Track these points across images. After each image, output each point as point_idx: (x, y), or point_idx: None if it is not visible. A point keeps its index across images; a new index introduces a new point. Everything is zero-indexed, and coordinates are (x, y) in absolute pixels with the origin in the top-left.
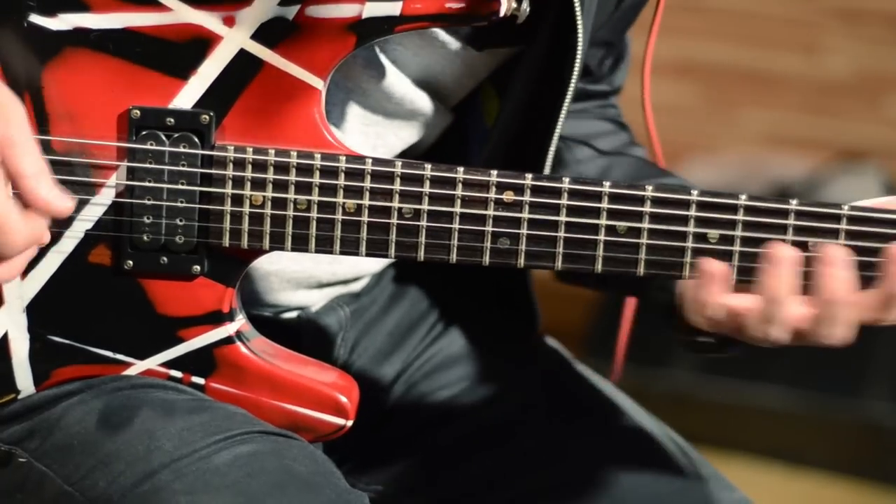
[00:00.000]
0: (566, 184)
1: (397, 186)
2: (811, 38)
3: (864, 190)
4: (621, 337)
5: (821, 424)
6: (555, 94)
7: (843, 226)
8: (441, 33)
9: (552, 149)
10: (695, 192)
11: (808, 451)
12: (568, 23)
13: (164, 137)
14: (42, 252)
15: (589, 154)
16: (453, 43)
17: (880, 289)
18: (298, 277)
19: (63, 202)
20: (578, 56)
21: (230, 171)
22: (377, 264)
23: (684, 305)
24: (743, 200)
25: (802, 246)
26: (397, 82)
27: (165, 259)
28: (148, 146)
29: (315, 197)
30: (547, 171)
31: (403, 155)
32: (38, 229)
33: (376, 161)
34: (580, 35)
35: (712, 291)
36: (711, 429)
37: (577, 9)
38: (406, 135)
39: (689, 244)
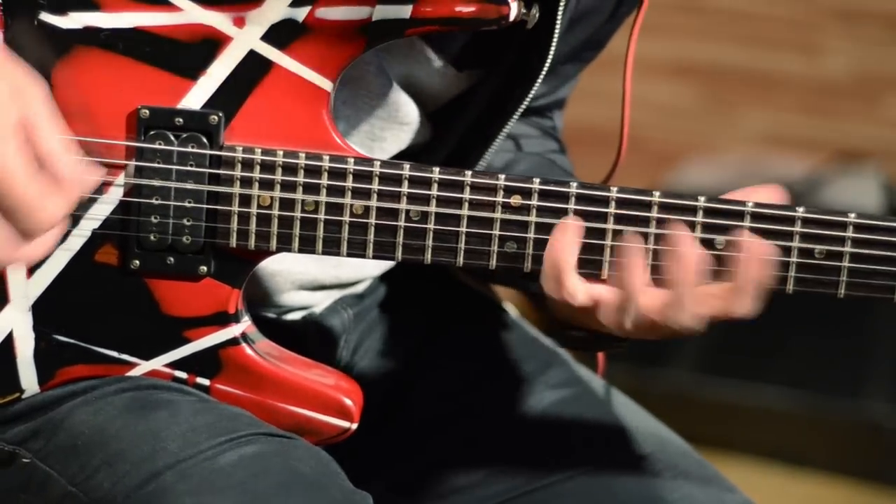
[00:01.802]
0: (574, 189)
1: (405, 189)
2: (810, 39)
3: (863, 190)
4: None
5: (821, 425)
6: (501, 113)
7: (850, 233)
8: (427, 49)
9: (483, 162)
10: (702, 199)
11: (809, 452)
12: (536, 48)
13: (172, 137)
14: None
15: (508, 147)
16: (436, 60)
17: (732, 281)
18: (302, 279)
19: (89, 176)
20: (535, 85)
21: (238, 172)
22: (380, 268)
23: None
24: (750, 207)
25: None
26: (392, 88)
27: (172, 259)
28: (156, 146)
29: (323, 198)
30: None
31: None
32: (64, 208)
33: (384, 163)
34: (546, 64)
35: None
36: (711, 429)
37: (556, 30)
38: (405, 140)
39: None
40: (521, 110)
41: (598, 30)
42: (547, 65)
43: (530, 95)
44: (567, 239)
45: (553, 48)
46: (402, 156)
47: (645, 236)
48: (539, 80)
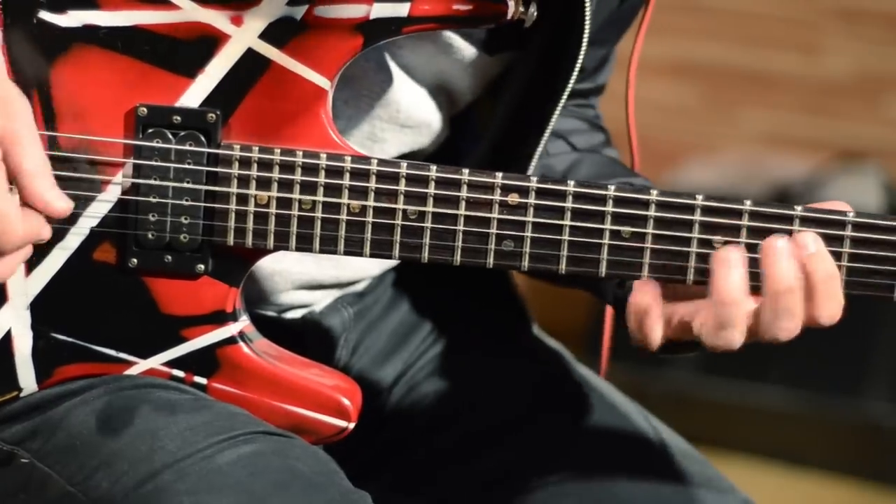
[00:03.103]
0: (571, 187)
1: (402, 187)
2: (811, 39)
3: (864, 190)
4: (605, 335)
5: (821, 425)
6: (549, 95)
7: (849, 232)
8: (456, 39)
9: (540, 148)
10: (699, 197)
11: (808, 452)
12: (568, 25)
13: (170, 135)
14: (46, 249)
15: (563, 148)
16: (467, 48)
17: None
18: (301, 279)
19: (61, 202)
20: (580, 59)
21: (236, 170)
22: (380, 267)
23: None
24: (748, 206)
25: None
26: (408, 89)
27: (170, 257)
28: (154, 144)
29: (320, 197)
30: (531, 170)
31: None
32: (36, 227)
33: (381, 162)
34: (585, 37)
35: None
36: (712, 429)
37: (588, 10)
38: (407, 142)
39: (694, 249)
40: (569, 87)
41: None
42: (587, 32)
43: (577, 68)
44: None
45: (588, 19)
46: (426, 159)
47: (642, 236)
48: (583, 49)
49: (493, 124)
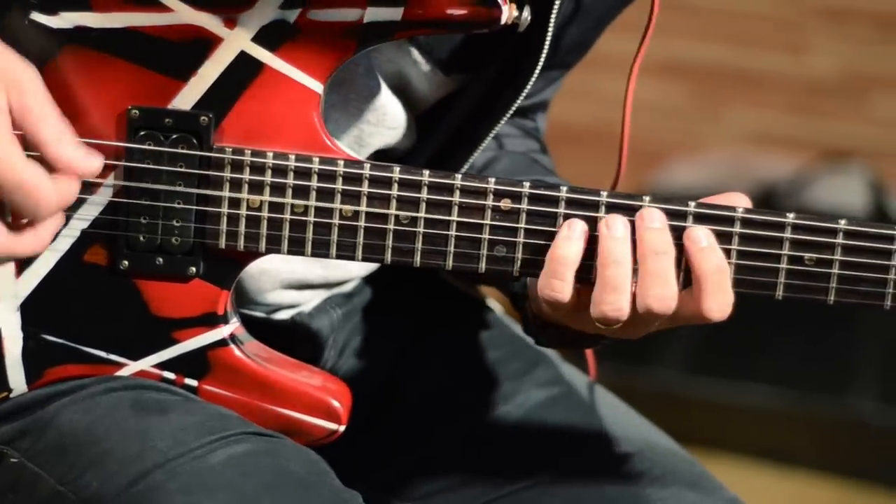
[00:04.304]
0: (564, 193)
1: (395, 192)
2: (797, 38)
3: (849, 189)
4: None
5: (808, 423)
6: (489, 117)
7: (840, 240)
8: (414, 52)
9: (467, 165)
10: (692, 204)
11: (796, 450)
12: (524, 57)
13: (162, 138)
14: None
15: (491, 145)
16: (423, 64)
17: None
18: (290, 279)
19: (89, 161)
20: (526, 89)
21: (228, 173)
22: (367, 268)
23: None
24: (740, 213)
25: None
26: (380, 92)
27: (161, 260)
28: (146, 146)
29: (312, 201)
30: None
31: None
32: (68, 190)
33: (374, 166)
34: (536, 72)
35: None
36: (699, 428)
37: (546, 42)
38: (391, 144)
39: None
40: (509, 114)
41: (585, 33)
42: (538, 69)
43: (521, 99)
44: (574, 235)
45: (545, 51)
46: (386, 158)
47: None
48: (530, 84)
49: (432, 136)
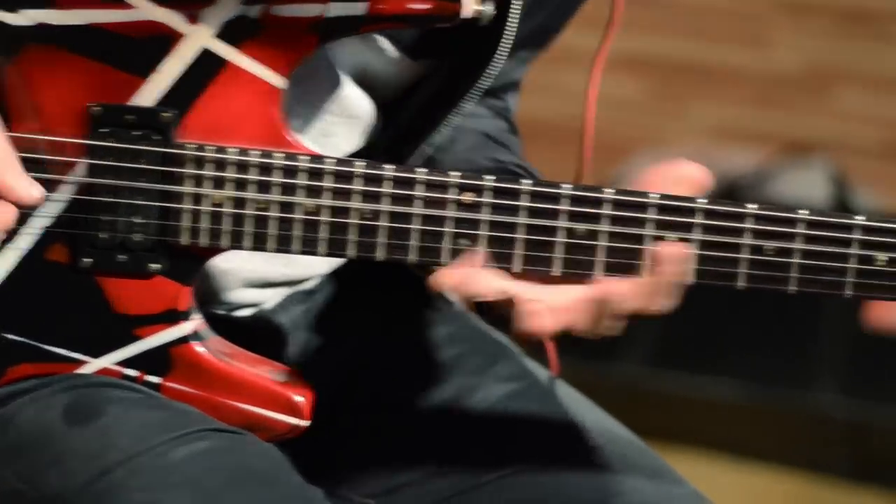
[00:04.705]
0: (526, 186)
1: (357, 186)
2: (759, 32)
3: (812, 183)
4: None
5: (770, 417)
6: (447, 102)
7: (801, 230)
8: (380, 39)
9: (417, 150)
10: (656, 196)
11: (758, 444)
12: (488, 43)
13: (124, 135)
14: None
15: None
16: (391, 50)
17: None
18: (251, 277)
19: (33, 190)
20: (492, 68)
21: (190, 169)
22: (328, 266)
23: None
24: (702, 203)
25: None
26: (342, 83)
27: (123, 257)
28: (108, 143)
29: (275, 196)
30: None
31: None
32: (5, 215)
33: (337, 161)
34: (505, 44)
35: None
36: (661, 422)
37: (510, 20)
38: (356, 133)
39: (649, 246)
40: (468, 102)
41: (552, 15)
42: (500, 55)
43: (482, 86)
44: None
45: (506, 43)
46: (356, 150)
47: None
48: (492, 71)
49: (393, 122)
